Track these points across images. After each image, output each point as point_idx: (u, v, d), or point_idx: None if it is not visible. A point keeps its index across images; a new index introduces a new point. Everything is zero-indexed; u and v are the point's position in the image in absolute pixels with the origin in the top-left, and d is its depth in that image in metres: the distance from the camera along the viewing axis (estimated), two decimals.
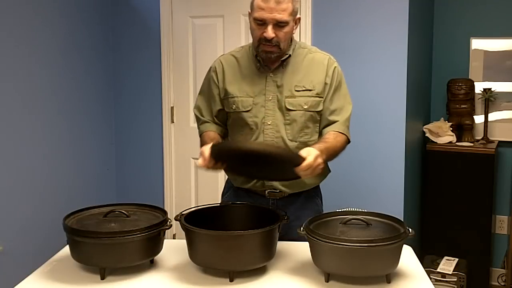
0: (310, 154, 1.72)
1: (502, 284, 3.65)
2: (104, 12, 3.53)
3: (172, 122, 3.55)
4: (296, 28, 2.01)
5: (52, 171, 3.12)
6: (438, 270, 3.19)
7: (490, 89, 3.58)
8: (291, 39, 2.03)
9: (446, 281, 3.17)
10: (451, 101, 3.60)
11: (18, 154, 2.88)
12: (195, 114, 2.20)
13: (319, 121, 2.05)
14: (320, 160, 1.75)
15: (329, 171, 2.16)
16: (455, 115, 3.60)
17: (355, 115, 3.17)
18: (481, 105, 3.64)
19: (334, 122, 2.02)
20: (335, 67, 2.06)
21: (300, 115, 2.01)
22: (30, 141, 2.95)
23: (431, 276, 3.13)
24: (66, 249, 1.83)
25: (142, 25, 3.53)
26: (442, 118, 3.63)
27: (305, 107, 2.00)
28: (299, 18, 2.01)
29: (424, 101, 3.70)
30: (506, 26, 3.59)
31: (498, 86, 3.61)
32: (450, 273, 3.17)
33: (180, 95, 3.51)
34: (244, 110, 2.03)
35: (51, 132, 3.11)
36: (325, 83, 2.03)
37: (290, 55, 2.02)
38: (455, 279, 3.16)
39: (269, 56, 1.97)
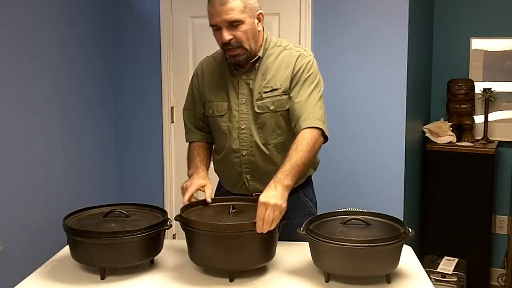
0: (258, 207, 1.63)
1: (502, 284, 3.65)
2: (104, 12, 3.53)
3: (172, 122, 3.54)
4: (260, 24, 1.95)
5: (52, 171, 3.12)
6: (438, 270, 3.19)
7: (490, 89, 3.58)
8: (263, 39, 1.98)
9: (446, 281, 3.17)
10: (451, 101, 3.60)
11: (18, 154, 2.87)
12: (184, 117, 2.17)
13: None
14: (273, 202, 1.63)
15: (318, 161, 2.14)
16: (455, 115, 3.60)
17: (355, 115, 3.18)
18: (481, 105, 3.64)
19: (301, 116, 1.90)
20: (305, 61, 1.96)
21: (268, 117, 1.97)
22: (30, 141, 2.95)
23: (431, 276, 3.13)
24: (66, 249, 1.83)
25: (142, 25, 3.52)
26: (442, 118, 3.63)
27: (272, 108, 1.96)
28: (261, 14, 1.94)
29: (424, 101, 3.70)
30: (506, 26, 3.59)
31: (498, 86, 3.61)
32: (450, 273, 3.17)
33: (180, 95, 3.50)
34: (219, 114, 2.02)
35: (51, 132, 3.10)
36: (292, 77, 1.95)
37: (259, 57, 1.97)
38: (455, 279, 3.16)
39: (237, 59, 1.92)
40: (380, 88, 3.04)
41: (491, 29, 3.62)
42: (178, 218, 1.73)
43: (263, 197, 1.66)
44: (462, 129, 3.59)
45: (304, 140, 1.83)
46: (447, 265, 3.23)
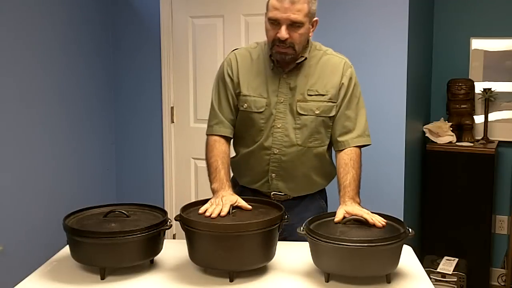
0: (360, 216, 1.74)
1: (502, 284, 3.65)
2: (104, 12, 3.53)
3: (172, 122, 3.55)
4: (313, 30, 1.96)
5: (53, 171, 3.12)
6: (438, 270, 3.19)
7: (490, 89, 3.58)
8: (308, 41, 1.98)
9: (446, 281, 3.17)
10: (451, 101, 3.60)
11: (19, 154, 2.88)
12: (214, 107, 2.06)
13: (332, 126, 2.01)
14: (361, 210, 1.77)
15: (335, 171, 2.15)
16: (455, 115, 3.60)
17: None
18: (481, 105, 3.64)
19: (350, 131, 1.99)
20: (351, 71, 2.01)
21: (311, 120, 1.97)
22: (30, 141, 2.95)
23: (431, 276, 3.13)
24: (66, 249, 1.83)
25: (142, 25, 3.53)
26: (442, 118, 3.63)
27: (317, 112, 1.96)
28: (317, 21, 1.97)
29: (424, 101, 3.70)
30: (506, 26, 3.59)
31: (498, 86, 3.61)
32: (450, 273, 3.17)
33: (180, 95, 3.51)
34: (257, 111, 1.99)
35: (51, 132, 3.11)
36: (340, 88, 1.98)
37: (306, 58, 1.97)
38: (455, 279, 3.16)
39: (283, 57, 1.91)
40: (380, 88, 3.04)
41: (491, 29, 3.62)
42: (178, 218, 1.73)
43: (351, 211, 1.77)
44: (462, 129, 3.59)
45: (358, 157, 1.98)
46: (447, 265, 3.23)
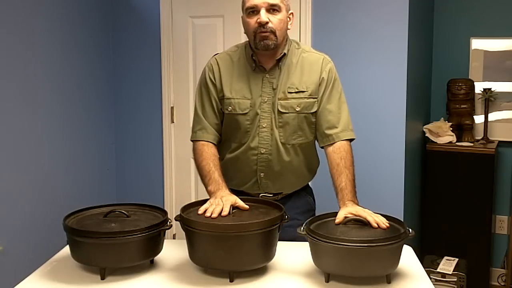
0: (363, 217, 1.72)
1: (502, 284, 3.65)
2: (104, 12, 3.53)
3: (172, 122, 3.54)
4: (290, 24, 2.00)
5: (52, 171, 3.12)
6: (438, 270, 3.19)
7: (490, 89, 3.58)
8: (287, 38, 2.01)
9: (446, 281, 3.17)
10: (451, 101, 3.60)
11: (18, 154, 2.87)
12: (197, 113, 2.09)
13: (316, 122, 2.02)
14: (364, 211, 1.75)
15: (318, 163, 2.16)
16: (455, 115, 3.60)
17: (356, 115, 3.17)
18: (481, 105, 3.64)
19: (334, 125, 1.99)
20: (330, 67, 2.03)
21: (292, 118, 1.98)
22: (30, 141, 2.95)
23: (431, 276, 3.13)
24: (66, 249, 1.84)
25: (142, 25, 3.52)
26: (442, 118, 3.64)
27: (298, 109, 1.98)
28: (292, 14, 2.01)
29: (424, 101, 3.70)
30: (506, 26, 3.59)
31: (498, 86, 3.61)
32: (450, 273, 3.17)
33: (180, 95, 3.51)
34: (241, 112, 2.00)
35: (51, 132, 3.10)
36: (320, 83, 2.00)
37: (285, 54, 1.99)
38: (455, 279, 3.16)
39: (266, 43, 1.91)
40: (380, 88, 3.04)
41: (491, 29, 3.62)
42: (178, 218, 1.73)
43: (355, 212, 1.75)
44: (462, 129, 3.59)
45: (348, 154, 1.95)
46: (447, 265, 3.23)
